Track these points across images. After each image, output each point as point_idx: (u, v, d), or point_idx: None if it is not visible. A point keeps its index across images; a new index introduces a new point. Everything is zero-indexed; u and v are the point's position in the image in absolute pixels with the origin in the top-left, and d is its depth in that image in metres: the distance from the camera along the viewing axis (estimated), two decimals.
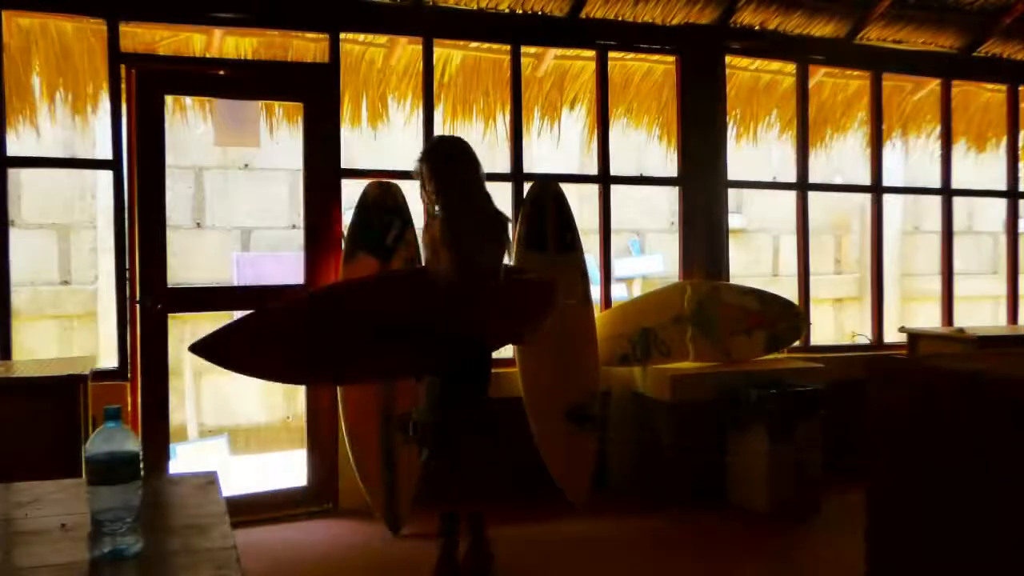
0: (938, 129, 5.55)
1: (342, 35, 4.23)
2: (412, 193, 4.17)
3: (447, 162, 3.21)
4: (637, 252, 7.44)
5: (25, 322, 5.62)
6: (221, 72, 4.17)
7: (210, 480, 1.71)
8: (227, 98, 4.24)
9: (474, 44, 4.55)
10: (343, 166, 4.24)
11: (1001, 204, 5.99)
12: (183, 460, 5.46)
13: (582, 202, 5.50)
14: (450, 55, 4.54)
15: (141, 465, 1.33)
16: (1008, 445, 2.12)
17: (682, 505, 4.16)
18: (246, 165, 6.34)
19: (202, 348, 3.02)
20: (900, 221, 7.82)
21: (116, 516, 1.27)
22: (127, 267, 3.90)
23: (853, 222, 7.93)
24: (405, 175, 4.34)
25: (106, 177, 4.54)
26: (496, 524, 3.90)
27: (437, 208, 3.18)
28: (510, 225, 3.38)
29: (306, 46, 4.24)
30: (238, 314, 5.78)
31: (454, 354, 3.15)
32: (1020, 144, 5.74)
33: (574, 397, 4.17)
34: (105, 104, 3.97)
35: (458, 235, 3.07)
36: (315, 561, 3.52)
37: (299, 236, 5.02)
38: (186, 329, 6.10)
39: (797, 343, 4.84)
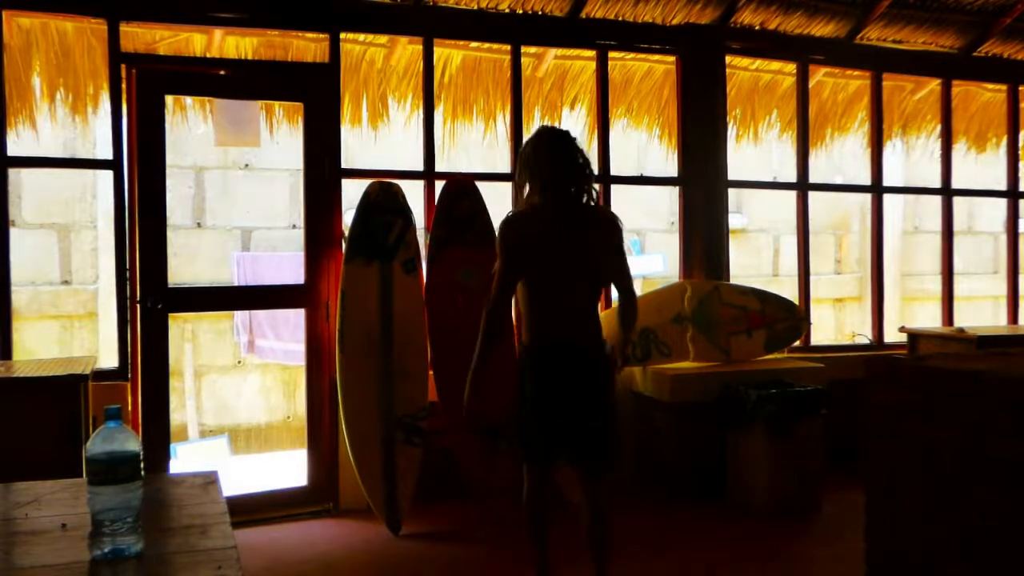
0: (938, 129, 5.55)
1: (342, 35, 4.23)
2: (413, 193, 4.18)
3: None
4: (637, 252, 7.44)
5: (25, 322, 5.62)
6: (221, 72, 4.17)
7: (210, 480, 1.71)
8: (227, 98, 4.24)
9: (474, 44, 4.55)
10: (343, 166, 4.24)
11: (1001, 204, 5.99)
12: (183, 460, 5.46)
13: None
14: (450, 55, 4.54)
15: (141, 465, 1.33)
16: (1008, 445, 2.12)
17: (682, 504, 4.17)
18: (246, 165, 6.34)
19: None
20: (900, 221, 7.82)
21: (116, 516, 1.27)
22: (127, 267, 3.90)
23: (853, 222, 7.93)
24: (405, 175, 4.37)
25: (106, 177, 4.54)
26: (494, 523, 3.91)
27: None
28: None
29: (306, 46, 4.25)
30: (238, 314, 5.87)
31: None
32: (1020, 144, 5.74)
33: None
34: (105, 104, 3.97)
35: None
36: (315, 561, 3.52)
37: (299, 236, 5.02)
38: (187, 329, 6.11)
39: (797, 343, 4.84)
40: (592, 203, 2.85)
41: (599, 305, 2.88)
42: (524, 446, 2.90)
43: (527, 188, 2.85)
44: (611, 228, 2.85)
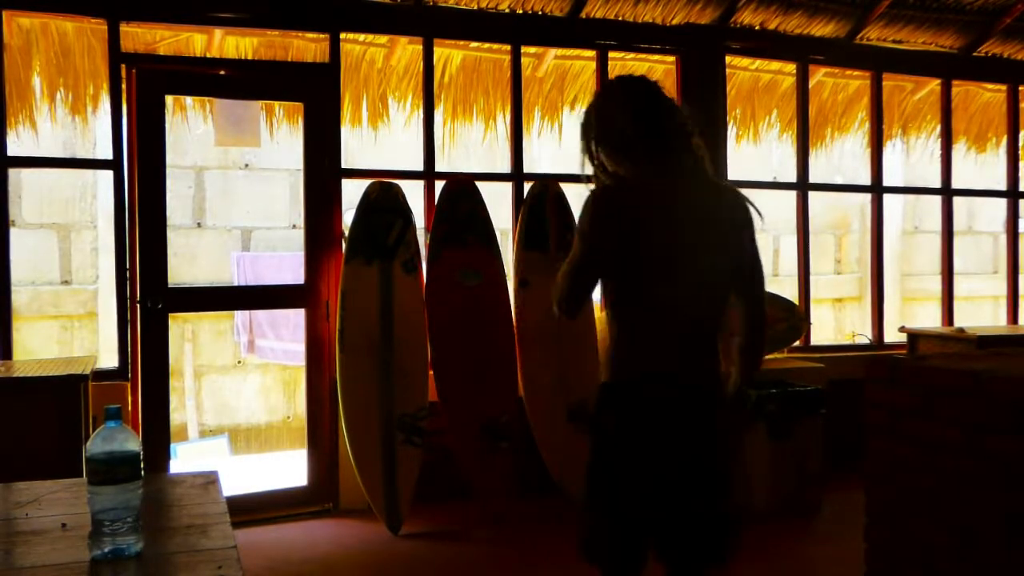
0: (938, 129, 5.55)
1: (342, 35, 4.23)
2: (413, 193, 4.18)
3: None
4: None
5: (25, 322, 5.62)
6: (221, 72, 4.17)
7: (210, 480, 1.71)
8: (227, 98, 4.24)
9: (474, 44, 4.55)
10: (343, 166, 4.24)
11: (1001, 204, 5.99)
12: (183, 460, 5.46)
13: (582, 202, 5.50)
14: (450, 55, 4.54)
15: (141, 465, 1.33)
16: (1008, 445, 2.12)
17: None
18: (246, 165, 6.33)
19: None
20: (900, 221, 7.81)
21: (116, 516, 1.27)
22: (127, 267, 3.90)
23: (853, 222, 7.93)
24: (405, 175, 4.37)
25: (106, 177, 4.55)
26: (495, 523, 3.91)
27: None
28: None
29: (306, 46, 4.25)
30: (238, 314, 5.87)
31: None
32: (1020, 144, 5.73)
33: (574, 397, 4.17)
34: (105, 104, 3.97)
35: None
36: (315, 561, 3.52)
37: (299, 236, 5.02)
38: (187, 329, 6.11)
39: (797, 343, 4.84)
40: (709, 176, 1.99)
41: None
42: (602, 543, 1.97)
43: (600, 162, 2.03)
44: (740, 213, 1.96)
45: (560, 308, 1.96)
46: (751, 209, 1.96)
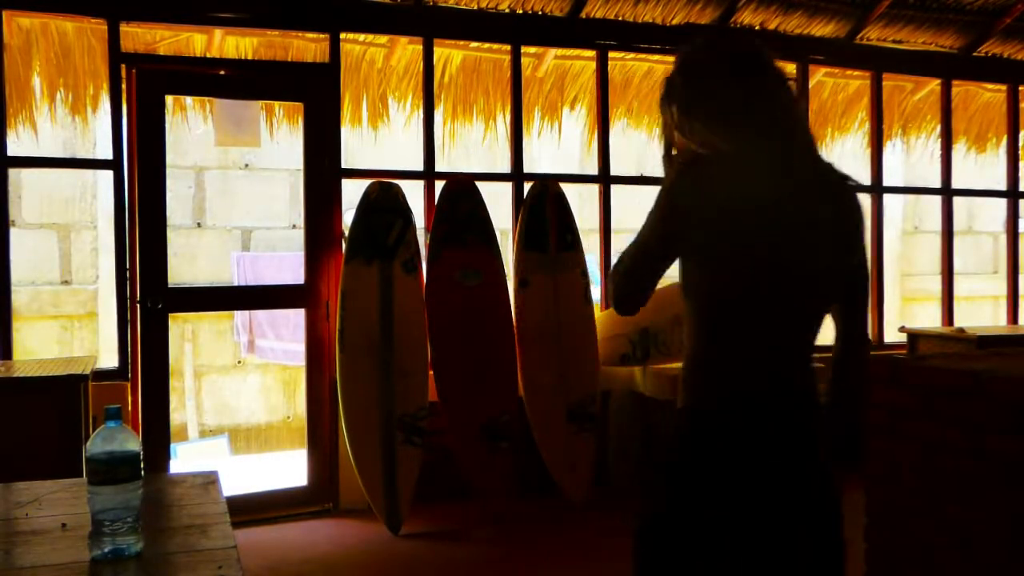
0: (938, 129, 5.55)
1: (342, 35, 4.23)
2: (413, 193, 4.18)
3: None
4: None
5: (25, 322, 5.62)
6: (221, 72, 4.17)
7: (210, 480, 1.71)
8: (227, 98, 4.24)
9: (474, 44, 4.55)
10: (343, 166, 4.24)
11: (1001, 204, 5.99)
12: (183, 460, 5.47)
13: (582, 202, 5.51)
14: (450, 55, 4.54)
15: (141, 465, 1.33)
16: (1008, 445, 2.12)
17: None
18: (246, 165, 6.33)
19: None
20: (900, 221, 7.82)
21: (116, 516, 1.27)
22: (127, 267, 3.91)
23: None
24: (405, 175, 4.37)
25: (106, 177, 4.55)
26: (495, 523, 3.91)
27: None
28: None
29: (306, 46, 4.25)
30: (238, 314, 5.87)
31: None
32: (1020, 144, 5.74)
33: (574, 397, 4.17)
34: (105, 104, 3.97)
35: None
36: (315, 561, 3.52)
37: (299, 236, 5.03)
38: (187, 329, 6.12)
39: None
40: (825, 161, 1.64)
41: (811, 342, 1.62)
42: None
43: (689, 135, 1.60)
44: (857, 210, 1.64)
45: (616, 298, 1.61)
46: (863, 214, 1.66)
